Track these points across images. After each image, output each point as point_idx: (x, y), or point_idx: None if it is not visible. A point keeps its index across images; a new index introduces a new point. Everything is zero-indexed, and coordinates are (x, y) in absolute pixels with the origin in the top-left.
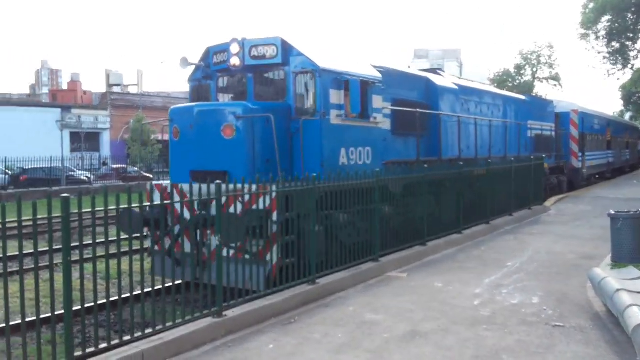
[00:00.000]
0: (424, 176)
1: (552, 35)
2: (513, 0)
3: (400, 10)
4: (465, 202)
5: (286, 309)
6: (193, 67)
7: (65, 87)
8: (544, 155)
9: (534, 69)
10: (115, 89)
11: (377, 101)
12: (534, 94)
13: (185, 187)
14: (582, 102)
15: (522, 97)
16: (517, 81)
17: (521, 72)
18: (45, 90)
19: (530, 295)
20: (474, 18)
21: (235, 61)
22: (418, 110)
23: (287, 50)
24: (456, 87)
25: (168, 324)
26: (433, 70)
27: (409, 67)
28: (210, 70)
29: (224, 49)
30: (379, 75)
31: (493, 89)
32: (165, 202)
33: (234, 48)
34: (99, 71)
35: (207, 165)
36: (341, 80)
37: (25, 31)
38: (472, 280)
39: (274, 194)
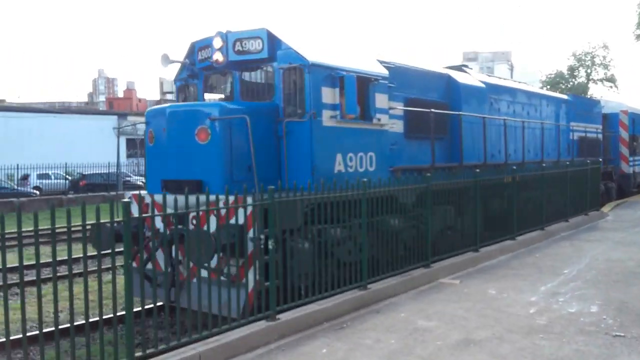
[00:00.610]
0: (475, 181)
1: (607, 36)
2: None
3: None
4: (518, 207)
5: (337, 313)
6: (176, 64)
7: (121, 95)
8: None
9: (588, 71)
10: (169, 97)
11: (381, 100)
12: (584, 95)
13: (158, 198)
14: (634, 103)
15: (564, 96)
16: (570, 83)
17: (574, 73)
18: (102, 98)
19: (589, 303)
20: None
21: (218, 57)
22: (432, 110)
23: (273, 43)
24: (483, 86)
25: (224, 327)
26: (458, 68)
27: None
28: (195, 68)
29: (208, 44)
30: (384, 71)
31: (529, 88)
32: (117, 219)
33: (217, 42)
34: (153, 79)
35: (181, 173)
36: (335, 77)
37: (83, 41)
38: (527, 287)
39: (249, 208)
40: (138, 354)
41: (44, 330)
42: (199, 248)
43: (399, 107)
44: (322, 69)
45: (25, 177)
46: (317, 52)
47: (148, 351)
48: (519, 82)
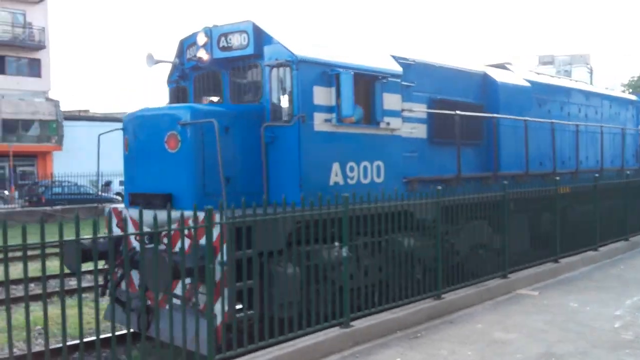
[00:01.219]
0: (556, 190)
1: None
2: None
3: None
4: (601, 217)
5: (411, 323)
6: (163, 65)
7: None
8: None
9: None
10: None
11: (392, 101)
12: None
13: (133, 213)
14: None
15: (633, 97)
16: None
17: None
18: None
19: None
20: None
21: (202, 55)
22: (458, 112)
23: (260, 37)
24: (527, 85)
25: (299, 332)
26: (500, 65)
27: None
28: (185, 68)
29: (194, 40)
30: (396, 68)
31: (589, 87)
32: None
33: (201, 39)
34: None
35: (150, 185)
36: (331, 74)
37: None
38: (611, 300)
39: (219, 227)
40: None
41: None
42: (154, 273)
43: (419, 109)
44: (313, 66)
45: (108, 184)
46: (308, 47)
47: (228, 353)
48: (577, 81)
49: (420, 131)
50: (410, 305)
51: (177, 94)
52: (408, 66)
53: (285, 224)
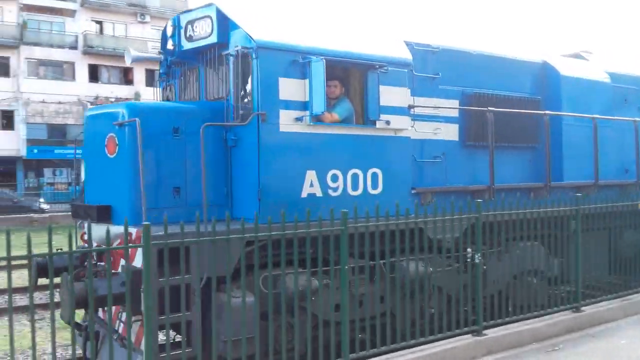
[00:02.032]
0: None
1: None
2: None
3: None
4: None
5: (547, 335)
6: (143, 61)
7: None
8: None
9: None
10: None
11: (394, 96)
12: None
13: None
14: None
15: None
16: None
17: None
18: None
19: None
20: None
21: (169, 46)
22: (490, 109)
23: (225, 24)
24: (606, 77)
25: (430, 337)
26: (575, 55)
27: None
28: (168, 63)
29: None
30: (402, 55)
31: None
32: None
33: (168, 29)
34: None
35: (94, 196)
36: (303, 63)
37: None
38: None
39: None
40: (352, 354)
41: None
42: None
43: (446, 106)
44: (278, 53)
45: None
46: (273, 30)
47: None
48: None
49: (448, 132)
50: (548, 316)
51: (167, 94)
52: (430, 54)
53: (231, 245)
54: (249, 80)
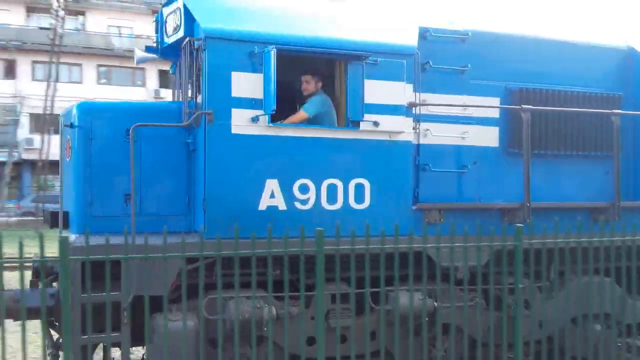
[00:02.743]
0: None
1: None
2: None
3: None
4: None
5: None
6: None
7: None
8: None
9: None
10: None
11: (388, 92)
12: None
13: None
14: None
15: None
16: None
17: None
18: None
19: None
20: None
21: (153, 42)
22: (524, 107)
23: (189, 16)
24: None
25: None
26: None
27: None
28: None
29: None
30: (397, 41)
31: None
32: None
33: (154, 25)
34: None
35: (63, 201)
36: (260, 54)
37: None
38: None
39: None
40: None
41: None
42: None
43: (478, 103)
44: (231, 43)
45: None
46: (227, 17)
47: None
48: None
49: (483, 136)
50: None
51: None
52: (456, 42)
53: (167, 263)
54: (201, 75)
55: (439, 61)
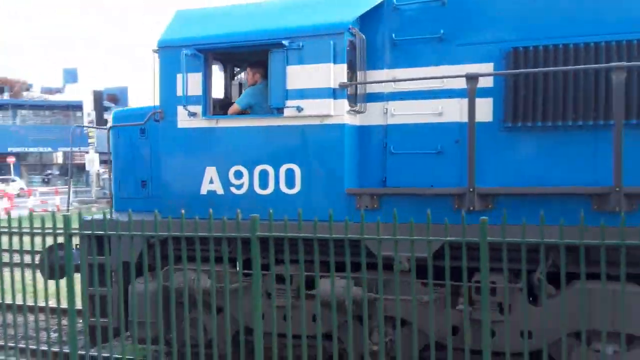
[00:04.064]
0: None
1: None
2: None
3: None
4: None
5: None
6: None
7: None
8: None
9: None
10: None
11: (314, 75)
12: None
13: None
14: None
15: None
16: None
17: None
18: None
19: None
20: None
21: None
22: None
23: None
24: None
25: None
26: None
27: None
28: None
29: None
30: (323, 21)
31: None
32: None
33: None
34: None
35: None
36: (198, 55)
37: None
38: None
39: None
40: None
41: None
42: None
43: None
44: (175, 49)
45: None
46: (180, 27)
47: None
48: None
49: (482, 111)
50: None
51: None
52: (429, 6)
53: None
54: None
55: (412, 31)
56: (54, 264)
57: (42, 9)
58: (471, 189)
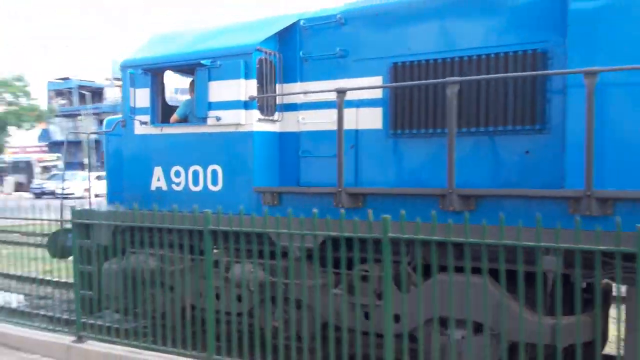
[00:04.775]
0: None
1: None
2: None
3: None
4: None
5: None
6: None
7: None
8: None
9: None
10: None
11: (228, 90)
12: None
13: None
14: None
15: None
16: None
17: None
18: None
19: None
20: None
21: None
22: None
23: None
24: None
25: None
26: None
27: None
28: None
29: None
30: (234, 43)
31: None
32: None
33: None
34: None
35: None
36: (146, 74)
37: None
38: None
39: None
40: None
41: None
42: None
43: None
44: (134, 69)
45: None
46: (141, 50)
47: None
48: None
49: (366, 119)
50: None
51: None
52: (330, 27)
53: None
54: None
55: (317, 49)
56: (58, 246)
57: (42, 9)
58: (340, 190)
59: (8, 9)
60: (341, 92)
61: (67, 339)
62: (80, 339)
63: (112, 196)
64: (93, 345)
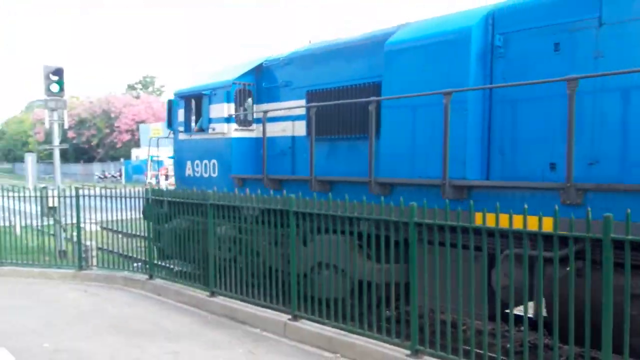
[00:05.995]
0: None
1: None
2: None
3: None
4: None
5: None
6: None
7: None
8: None
9: None
10: None
11: (218, 110)
12: None
13: None
14: None
15: None
16: None
17: None
18: None
19: None
20: None
21: None
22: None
23: None
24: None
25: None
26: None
27: None
28: None
29: None
30: (221, 79)
31: None
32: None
33: None
34: None
35: None
36: (181, 100)
37: None
38: None
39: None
40: None
41: None
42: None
43: (287, 106)
44: (177, 97)
45: None
46: (188, 82)
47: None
48: None
49: (298, 129)
50: None
51: None
52: (279, 66)
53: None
54: None
55: (270, 81)
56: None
57: (42, 9)
58: (265, 176)
59: None
60: (266, 111)
61: (284, 317)
62: (295, 318)
63: (178, 181)
64: (306, 324)
